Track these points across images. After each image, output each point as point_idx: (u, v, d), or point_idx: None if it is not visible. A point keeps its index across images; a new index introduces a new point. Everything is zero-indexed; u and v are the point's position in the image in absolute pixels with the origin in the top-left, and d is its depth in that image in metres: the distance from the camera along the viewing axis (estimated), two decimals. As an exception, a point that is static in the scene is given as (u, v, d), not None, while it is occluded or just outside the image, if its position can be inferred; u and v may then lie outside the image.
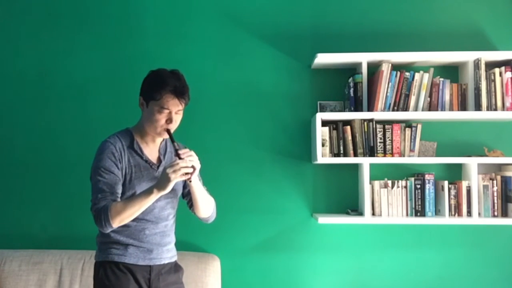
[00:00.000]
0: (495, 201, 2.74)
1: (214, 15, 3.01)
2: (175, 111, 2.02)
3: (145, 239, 2.08)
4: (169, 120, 2.02)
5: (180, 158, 1.92)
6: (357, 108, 2.78)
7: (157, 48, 2.98)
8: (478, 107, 2.75)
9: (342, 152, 2.78)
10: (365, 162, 2.74)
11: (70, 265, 2.77)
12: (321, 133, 2.73)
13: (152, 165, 2.10)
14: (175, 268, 2.20)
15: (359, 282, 2.92)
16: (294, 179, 2.95)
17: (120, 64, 3.01)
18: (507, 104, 2.73)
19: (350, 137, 2.77)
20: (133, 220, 2.04)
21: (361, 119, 2.75)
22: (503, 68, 2.75)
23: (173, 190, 2.09)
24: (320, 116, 2.73)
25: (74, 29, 3.03)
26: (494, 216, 2.74)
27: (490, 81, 2.74)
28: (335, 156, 2.78)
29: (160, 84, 2.01)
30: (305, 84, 2.97)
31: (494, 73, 2.74)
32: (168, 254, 2.15)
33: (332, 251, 2.92)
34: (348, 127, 2.77)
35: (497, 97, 2.74)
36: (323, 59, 2.79)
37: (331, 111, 2.91)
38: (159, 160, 2.13)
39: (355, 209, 2.88)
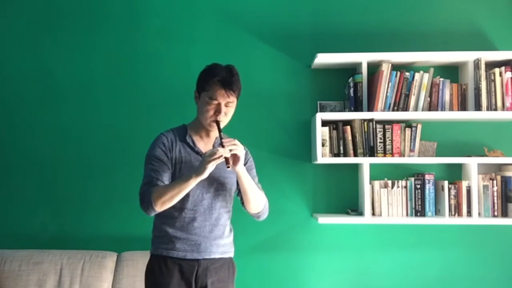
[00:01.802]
0: (495, 201, 2.75)
1: (214, 15, 3.01)
2: (224, 103, 2.06)
3: (193, 231, 2.08)
4: (218, 112, 2.05)
5: (222, 146, 1.96)
6: (357, 108, 2.78)
7: (158, 48, 2.98)
8: (478, 107, 2.75)
9: (342, 152, 2.78)
10: (365, 162, 2.74)
11: (70, 265, 2.76)
12: (321, 133, 2.73)
13: None
14: (228, 265, 2.18)
15: (359, 282, 2.92)
16: (294, 179, 2.95)
17: (121, 64, 3.01)
18: (507, 104, 2.73)
19: (350, 137, 2.77)
20: (183, 210, 2.07)
21: (361, 119, 2.75)
22: (503, 68, 2.75)
23: (223, 183, 2.13)
24: (320, 116, 2.73)
25: (75, 29, 3.03)
26: (494, 216, 2.74)
27: (490, 81, 2.75)
28: (335, 156, 2.78)
29: (210, 75, 2.07)
30: (305, 84, 2.97)
31: (494, 73, 2.74)
32: (218, 248, 2.13)
33: (332, 251, 2.92)
34: (348, 127, 2.77)
35: (497, 97, 2.74)
36: (323, 59, 2.79)
37: (331, 111, 2.91)
38: None
39: (355, 209, 2.87)
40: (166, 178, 2.07)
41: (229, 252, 2.19)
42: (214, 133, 2.15)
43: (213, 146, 2.16)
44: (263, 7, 3.00)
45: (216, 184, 2.12)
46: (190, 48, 2.99)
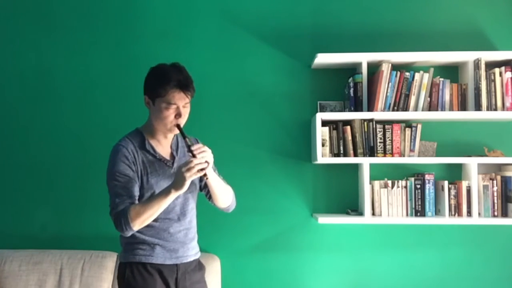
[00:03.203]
0: (495, 201, 2.74)
1: (214, 15, 3.01)
2: (182, 105, 2.02)
3: (169, 238, 2.07)
4: (178, 115, 2.01)
5: (193, 156, 1.92)
6: (357, 108, 2.78)
7: (157, 48, 2.98)
8: (478, 107, 2.75)
9: (342, 152, 2.78)
10: (365, 162, 2.74)
11: (70, 265, 2.76)
12: (321, 133, 2.73)
13: (167, 162, 2.09)
14: (199, 266, 2.20)
15: (359, 282, 2.92)
16: (294, 179, 2.95)
17: (120, 64, 3.01)
18: (507, 104, 2.73)
19: (350, 137, 2.77)
20: (156, 220, 2.03)
21: (361, 119, 2.75)
22: (503, 68, 2.75)
23: (190, 184, 2.08)
24: (320, 116, 2.73)
25: (74, 29, 3.03)
26: (494, 216, 2.74)
27: (490, 81, 2.74)
28: (335, 156, 2.78)
29: (164, 80, 2.00)
30: (305, 84, 2.97)
31: (494, 73, 2.74)
32: (193, 251, 2.15)
33: (332, 251, 2.93)
34: (348, 127, 2.77)
35: (497, 97, 2.74)
36: (323, 59, 2.79)
37: (331, 111, 2.91)
38: (172, 156, 2.13)
39: (355, 209, 2.88)
40: (136, 193, 2.02)
41: (199, 253, 2.21)
42: (171, 134, 2.12)
43: (171, 147, 2.13)
44: (263, 7, 3.00)
45: None
46: (190, 49, 2.99)
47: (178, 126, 2.02)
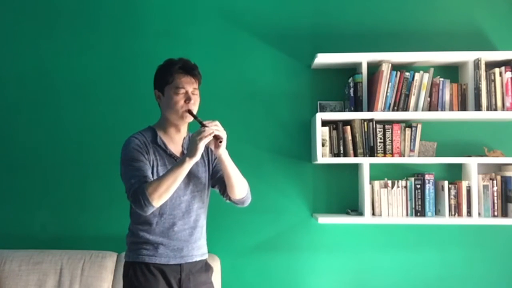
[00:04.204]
0: (495, 201, 2.75)
1: (214, 15, 3.01)
2: (190, 91, 2.06)
3: (174, 236, 2.07)
4: (188, 100, 2.05)
5: (205, 127, 1.95)
6: (357, 108, 2.78)
7: (157, 48, 2.98)
8: (478, 107, 2.75)
9: (342, 152, 2.78)
10: (365, 162, 2.74)
11: (70, 265, 2.76)
12: (321, 133, 2.73)
13: (177, 158, 2.10)
14: (206, 267, 2.19)
15: (359, 282, 2.92)
16: (294, 179, 2.95)
17: (120, 64, 3.01)
18: (507, 104, 2.73)
19: (350, 137, 2.77)
20: (162, 216, 2.05)
21: (361, 119, 2.75)
22: (503, 68, 2.75)
23: (199, 183, 2.12)
24: (320, 116, 2.73)
25: (74, 29, 3.03)
26: (494, 216, 2.74)
27: (490, 81, 2.75)
28: (335, 156, 2.78)
29: (169, 67, 2.08)
30: (305, 84, 2.97)
31: (494, 73, 2.74)
32: (198, 251, 2.14)
33: (332, 251, 2.93)
34: (348, 127, 2.77)
35: (497, 97, 2.74)
36: (323, 59, 2.79)
37: (331, 111, 2.91)
38: (183, 154, 2.13)
39: (355, 209, 2.88)
40: (150, 176, 2.03)
41: (206, 254, 2.20)
42: (184, 128, 2.14)
43: (182, 146, 2.15)
44: (263, 7, 3.00)
45: (192, 185, 2.10)
46: (190, 48, 2.98)
47: (189, 111, 2.05)
